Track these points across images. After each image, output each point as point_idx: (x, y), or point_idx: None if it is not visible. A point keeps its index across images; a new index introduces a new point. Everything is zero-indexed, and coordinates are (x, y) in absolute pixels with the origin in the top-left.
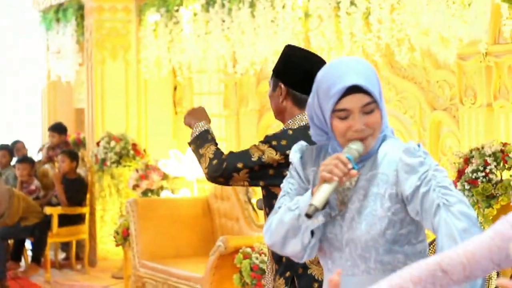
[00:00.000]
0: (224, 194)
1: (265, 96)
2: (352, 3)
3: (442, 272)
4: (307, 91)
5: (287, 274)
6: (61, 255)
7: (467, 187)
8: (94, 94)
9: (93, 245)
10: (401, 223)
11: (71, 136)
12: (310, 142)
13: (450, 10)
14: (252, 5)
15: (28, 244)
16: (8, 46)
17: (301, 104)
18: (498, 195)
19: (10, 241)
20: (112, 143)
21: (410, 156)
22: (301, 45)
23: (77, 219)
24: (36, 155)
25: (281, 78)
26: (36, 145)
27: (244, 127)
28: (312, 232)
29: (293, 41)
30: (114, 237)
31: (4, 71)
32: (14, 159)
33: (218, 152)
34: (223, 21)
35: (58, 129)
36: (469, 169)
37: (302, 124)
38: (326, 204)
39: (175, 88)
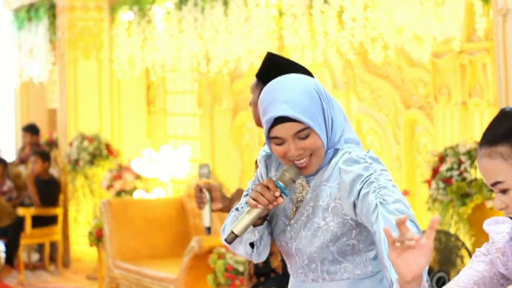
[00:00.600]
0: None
1: (239, 95)
2: (325, 1)
3: None
4: None
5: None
6: (35, 257)
7: (441, 185)
8: (67, 94)
9: (66, 246)
10: (347, 235)
11: (44, 136)
12: None
13: (424, 8)
14: (225, 3)
15: (1, 246)
16: None
17: None
18: (472, 193)
19: None
20: (85, 143)
21: (352, 164)
22: (275, 43)
23: (51, 220)
24: (11, 156)
25: None
26: (8, 146)
27: (218, 126)
28: (253, 245)
29: (266, 39)
30: (88, 238)
31: None
32: None
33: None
34: (196, 19)
35: (30, 129)
36: (443, 168)
37: None
38: (265, 219)
39: (148, 87)
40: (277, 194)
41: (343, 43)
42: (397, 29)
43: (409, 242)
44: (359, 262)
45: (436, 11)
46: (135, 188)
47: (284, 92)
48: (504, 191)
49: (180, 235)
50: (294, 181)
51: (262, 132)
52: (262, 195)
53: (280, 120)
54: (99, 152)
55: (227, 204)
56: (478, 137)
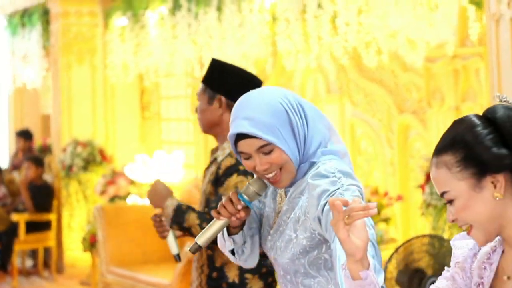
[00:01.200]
0: (192, 199)
1: None
2: (319, 6)
3: None
4: None
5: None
6: (29, 262)
7: (435, 190)
8: (61, 100)
9: (60, 252)
10: (317, 249)
11: (38, 142)
12: None
13: (417, 13)
14: (219, 9)
15: None
16: None
17: None
18: None
19: None
20: (79, 149)
21: (320, 178)
22: (269, 48)
23: (44, 226)
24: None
25: (221, 90)
26: (2, 151)
27: None
28: (233, 252)
29: (260, 44)
30: (82, 243)
31: None
32: None
33: (202, 215)
34: (190, 25)
35: (24, 134)
36: None
37: None
38: (242, 226)
39: (142, 93)
40: (239, 207)
41: (337, 48)
42: (391, 34)
43: (357, 213)
44: (332, 277)
45: (430, 16)
46: (128, 194)
47: (246, 109)
48: (450, 202)
49: None
50: (259, 195)
51: None
52: (225, 207)
53: (242, 136)
54: (92, 157)
55: None
56: None
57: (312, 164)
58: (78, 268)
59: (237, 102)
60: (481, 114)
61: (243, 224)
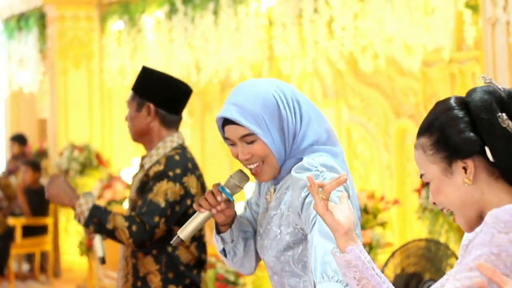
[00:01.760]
0: None
1: None
2: (315, 11)
3: None
4: (177, 111)
5: None
6: (25, 267)
7: None
8: (57, 104)
9: (57, 256)
10: (301, 246)
11: (34, 146)
12: (194, 162)
13: (414, 18)
14: (215, 13)
15: None
16: None
17: (169, 124)
18: None
19: None
20: (75, 153)
21: (302, 171)
22: (265, 53)
23: (41, 230)
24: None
25: (150, 97)
26: None
27: (209, 135)
28: (225, 252)
29: (256, 49)
30: (78, 247)
31: None
32: None
33: (131, 219)
34: (186, 29)
35: (18, 139)
36: None
37: (174, 146)
38: (230, 223)
39: None
40: (219, 198)
41: (333, 52)
42: (387, 39)
43: (330, 184)
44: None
45: (426, 21)
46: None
47: (237, 95)
48: (427, 184)
49: None
50: (240, 187)
51: None
52: (206, 199)
53: (228, 121)
54: (89, 162)
55: None
56: None
57: (299, 160)
58: (75, 272)
59: (233, 88)
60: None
61: (231, 222)
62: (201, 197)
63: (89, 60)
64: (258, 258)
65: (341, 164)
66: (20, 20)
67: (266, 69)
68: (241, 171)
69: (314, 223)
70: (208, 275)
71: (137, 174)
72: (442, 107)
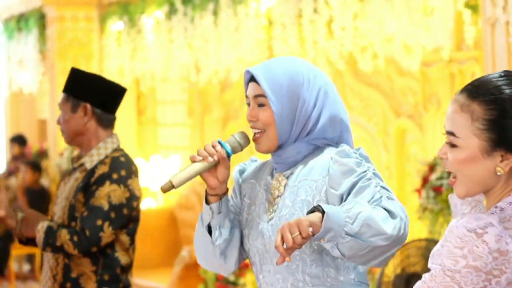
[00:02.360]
0: (189, 204)
1: (229, 105)
2: (315, 11)
3: None
4: (112, 110)
5: None
6: (26, 267)
7: (431, 194)
8: (57, 104)
9: None
10: None
11: (34, 146)
12: (136, 165)
13: (413, 18)
14: (215, 13)
15: None
16: None
17: (105, 124)
18: None
19: None
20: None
21: (344, 156)
22: (265, 53)
23: None
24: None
25: (85, 98)
26: None
27: (208, 135)
28: (210, 231)
29: (256, 49)
30: None
31: None
32: None
33: (71, 229)
34: (186, 29)
35: (18, 140)
36: (433, 177)
37: (115, 147)
38: (221, 198)
39: (138, 97)
40: (218, 148)
41: (333, 52)
42: (387, 39)
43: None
44: (341, 267)
45: (425, 21)
46: None
47: (275, 61)
48: (453, 146)
49: (171, 245)
50: (240, 144)
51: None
52: (204, 149)
53: (253, 79)
54: None
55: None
56: None
57: (315, 147)
58: None
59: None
60: None
61: (222, 195)
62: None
63: (89, 60)
64: (240, 256)
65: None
66: (20, 21)
67: None
68: (244, 132)
69: (379, 199)
70: (208, 276)
71: (70, 173)
72: None
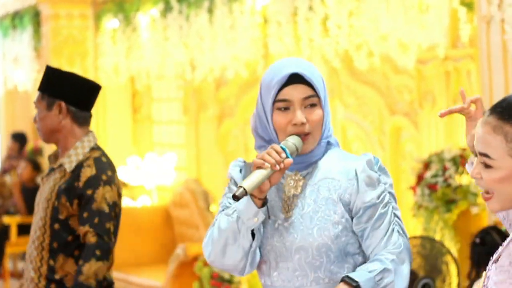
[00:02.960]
0: (184, 202)
1: (224, 102)
2: (310, 9)
3: None
4: (87, 107)
5: None
6: (20, 265)
7: (426, 192)
8: None
9: None
10: (351, 231)
11: (29, 144)
12: (112, 162)
13: (409, 15)
14: (210, 11)
15: None
16: None
17: (80, 121)
18: (457, 200)
19: None
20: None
21: (371, 168)
22: (260, 51)
23: None
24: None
25: (60, 96)
26: None
27: (204, 133)
28: (253, 235)
29: (251, 47)
30: None
31: None
32: None
33: (87, 254)
34: (181, 27)
35: (19, 138)
36: (428, 174)
37: (92, 146)
38: (265, 203)
39: (133, 95)
40: (284, 155)
41: (328, 50)
42: (382, 36)
43: None
44: (358, 263)
45: (421, 18)
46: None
47: (299, 61)
48: (487, 166)
49: (166, 243)
50: (297, 150)
51: (248, 140)
52: (269, 155)
53: (292, 81)
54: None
55: None
56: (463, 143)
57: (328, 145)
58: None
59: (277, 61)
60: None
61: (266, 199)
62: (260, 154)
63: (84, 58)
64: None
65: None
66: (15, 19)
67: (261, 67)
68: (296, 136)
69: (392, 232)
70: (203, 273)
71: (49, 174)
72: None
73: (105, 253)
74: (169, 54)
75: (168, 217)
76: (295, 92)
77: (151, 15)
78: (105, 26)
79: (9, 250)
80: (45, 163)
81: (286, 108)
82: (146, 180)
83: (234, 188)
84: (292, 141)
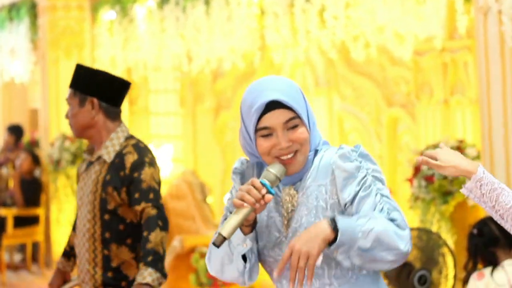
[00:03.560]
0: (180, 193)
1: (221, 94)
2: (307, 0)
3: None
4: (117, 103)
5: None
6: (17, 257)
7: (423, 183)
8: (49, 94)
9: (48, 246)
10: None
11: (26, 136)
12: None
13: (406, 7)
14: (207, 2)
15: None
16: None
17: (112, 116)
18: (454, 191)
19: None
20: (67, 143)
21: (345, 161)
22: (257, 42)
23: (32, 221)
24: None
25: (92, 92)
26: None
27: (201, 125)
28: (245, 257)
29: (248, 38)
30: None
31: None
32: None
33: (150, 224)
34: (178, 19)
35: (15, 130)
36: (425, 166)
37: (126, 136)
38: (253, 227)
39: (130, 87)
40: (264, 191)
41: (325, 41)
42: (379, 28)
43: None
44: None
45: (418, 10)
46: None
47: (274, 83)
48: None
49: None
50: (279, 179)
51: None
52: (248, 193)
53: (271, 107)
54: (80, 152)
55: None
56: (460, 135)
57: (316, 152)
58: None
59: (253, 84)
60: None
61: (254, 223)
62: (240, 192)
63: (81, 50)
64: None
65: None
66: (11, 10)
67: (258, 59)
68: (277, 163)
69: (381, 211)
70: (200, 265)
71: (88, 167)
72: None
73: (166, 224)
74: (166, 45)
75: (165, 208)
76: (275, 118)
77: (148, 7)
78: (102, 18)
79: (5, 242)
80: (42, 156)
81: (269, 134)
82: None
83: (234, 192)
84: (274, 171)
